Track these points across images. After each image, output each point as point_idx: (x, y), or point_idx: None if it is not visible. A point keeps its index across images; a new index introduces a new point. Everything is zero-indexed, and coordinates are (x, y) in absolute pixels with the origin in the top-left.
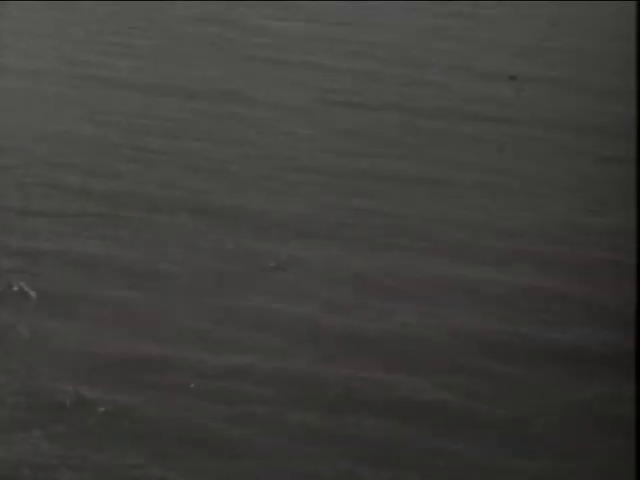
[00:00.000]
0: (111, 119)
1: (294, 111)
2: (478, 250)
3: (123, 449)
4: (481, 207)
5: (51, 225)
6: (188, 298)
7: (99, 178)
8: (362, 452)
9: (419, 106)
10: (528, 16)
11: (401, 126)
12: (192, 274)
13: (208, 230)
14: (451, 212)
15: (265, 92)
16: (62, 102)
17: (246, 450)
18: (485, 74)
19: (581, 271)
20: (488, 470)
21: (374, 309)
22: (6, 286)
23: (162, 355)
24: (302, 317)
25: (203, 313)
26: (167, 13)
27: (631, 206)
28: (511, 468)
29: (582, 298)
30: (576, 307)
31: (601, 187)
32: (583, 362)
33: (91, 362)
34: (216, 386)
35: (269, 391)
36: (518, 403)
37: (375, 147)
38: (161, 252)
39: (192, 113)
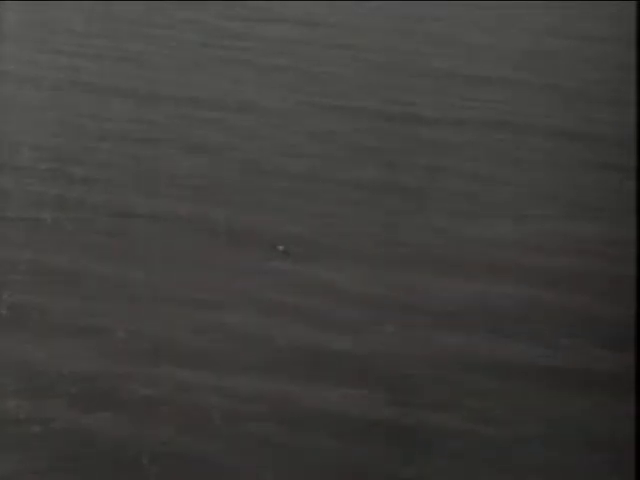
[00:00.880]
0: (85, 122)
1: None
2: (472, 262)
3: None
4: (472, 216)
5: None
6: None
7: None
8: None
9: (412, 112)
10: (527, 20)
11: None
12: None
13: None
14: (437, 222)
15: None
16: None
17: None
18: (481, 79)
19: (579, 283)
20: None
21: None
22: None
23: None
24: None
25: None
26: (156, 19)
27: (631, 214)
28: None
29: (580, 311)
30: (573, 321)
31: (598, 194)
32: (580, 379)
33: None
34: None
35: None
36: (516, 420)
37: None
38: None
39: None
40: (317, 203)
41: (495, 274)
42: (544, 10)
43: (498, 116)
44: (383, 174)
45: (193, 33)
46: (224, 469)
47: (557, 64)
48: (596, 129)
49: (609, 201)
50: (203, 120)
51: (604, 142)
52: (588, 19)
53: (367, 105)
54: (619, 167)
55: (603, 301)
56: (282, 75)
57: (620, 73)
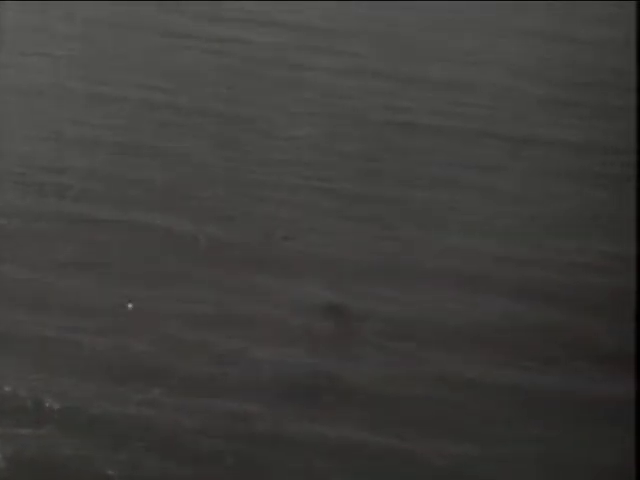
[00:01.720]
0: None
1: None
2: (469, 278)
3: None
4: (475, 232)
5: None
6: None
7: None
8: None
9: (408, 121)
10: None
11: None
12: None
13: None
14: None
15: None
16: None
17: None
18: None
19: (579, 301)
20: None
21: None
22: None
23: None
24: None
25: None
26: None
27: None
28: None
29: (579, 331)
30: (573, 343)
31: (592, 207)
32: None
33: None
34: None
35: None
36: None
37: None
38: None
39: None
40: (301, 212)
41: (478, 286)
42: (542, 13)
43: (484, 125)
44: (366, 182)
45: (176, 38)
46: None
47: (553, 70)
48: (592, 138)
49: (606, 214)
50: (182, 126)
51: (600, 151)
52: (586, 21)
53: (358, 111)
54: (617, 177)
55: (602, 320)
56: (270, 82)
57: (619, 78)
